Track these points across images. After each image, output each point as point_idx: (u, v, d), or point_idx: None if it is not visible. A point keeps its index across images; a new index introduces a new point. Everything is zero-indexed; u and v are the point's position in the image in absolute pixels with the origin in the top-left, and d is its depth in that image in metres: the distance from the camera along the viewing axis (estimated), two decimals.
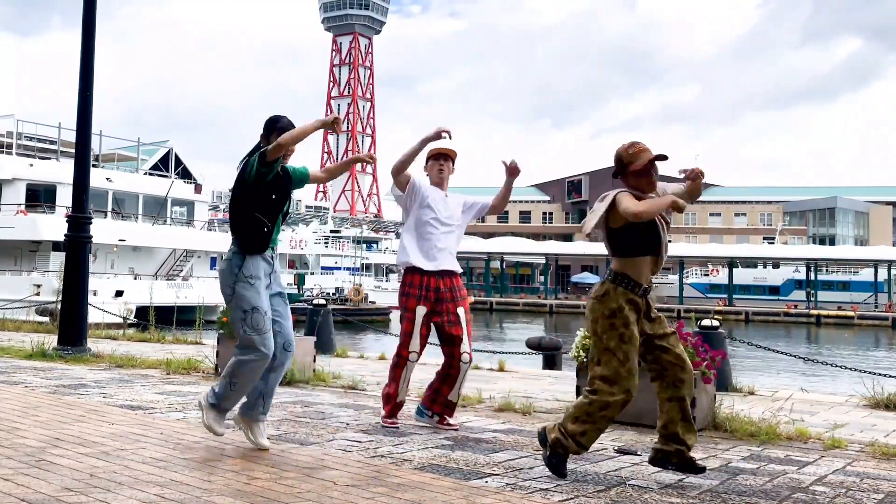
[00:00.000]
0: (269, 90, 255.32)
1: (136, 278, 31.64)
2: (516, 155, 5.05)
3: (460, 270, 5.29)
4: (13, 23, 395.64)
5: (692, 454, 3.95)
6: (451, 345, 5.13)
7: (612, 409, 3.81)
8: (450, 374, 5.17)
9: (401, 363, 5.10)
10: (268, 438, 4.40)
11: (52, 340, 9.56)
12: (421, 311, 5.08)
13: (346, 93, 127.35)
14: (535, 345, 11.31)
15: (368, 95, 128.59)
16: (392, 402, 5.19)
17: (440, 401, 5.24)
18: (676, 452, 3.92)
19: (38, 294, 26.77)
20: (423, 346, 5.09)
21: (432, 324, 5.16)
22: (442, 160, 5.34)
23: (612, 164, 4.15)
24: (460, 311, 5.15)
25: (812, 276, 58.71)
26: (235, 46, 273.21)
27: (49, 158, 33.96)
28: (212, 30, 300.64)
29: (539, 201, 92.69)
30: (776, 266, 66.73)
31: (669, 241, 4.02)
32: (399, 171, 5.17)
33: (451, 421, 5.26)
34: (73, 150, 10.39)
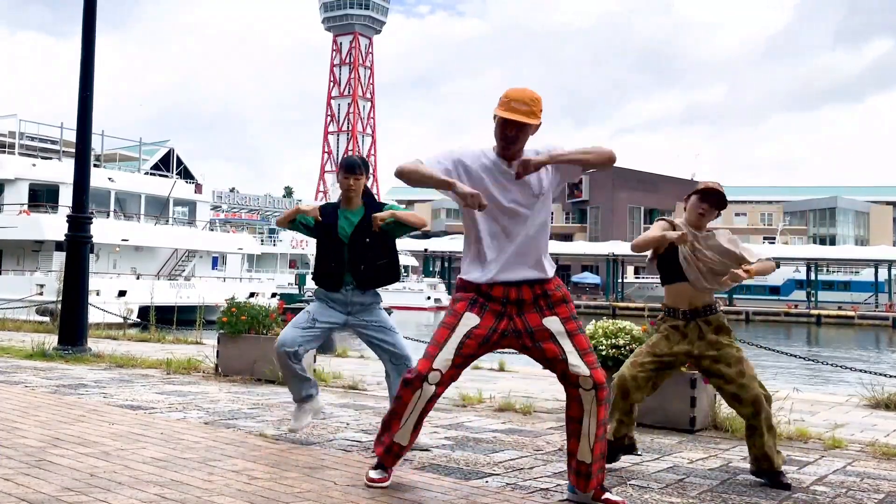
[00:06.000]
0: (279, 90, 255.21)
1: (138, 278, 31.66)
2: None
3: (547, 275, 3.46)
4: (48, 25, 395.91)
5: (781, 471, 3.98)
6: (555, 369, 3.42)
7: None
8: (570, 416, 3.45)
9: (413, 383, 3.36)
10: (289, 431, 4.78)
11: (52, 340, 9.57)
12: (470, 319, 3.39)
13: (346, 93, 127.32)
14: None
15: (369, 95, 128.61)
16: (386, 443, 3.50)
17: (572, 465, 3.45)
18: (757, 472, 4.04)
19: (40, 294, 26.79)
20: (456, 367, 3.39)
21: (511, 349, 3.54)
22: (517, 129, 3.31)
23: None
24: (550, 321, 3.39)
25: (812, 276, 58.67)
26: (247, 47, 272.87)
27: (51, 158, 34.00)
28: (226, 32, 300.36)
29: None
30: (776, 266, 66.66)
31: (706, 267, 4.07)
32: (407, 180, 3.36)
33: (611, 496, 3.42)
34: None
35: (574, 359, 3.35)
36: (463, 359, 3.39)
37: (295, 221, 4.63)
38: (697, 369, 4.25)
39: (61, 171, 30.80)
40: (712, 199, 4.10)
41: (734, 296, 57.56)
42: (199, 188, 38.64)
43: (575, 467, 3.42)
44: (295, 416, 4.70)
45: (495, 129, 3.37)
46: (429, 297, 56.11)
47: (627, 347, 5.54)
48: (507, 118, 3.28)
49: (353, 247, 4.51)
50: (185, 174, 40.74)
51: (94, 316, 10.78)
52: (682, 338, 4.12)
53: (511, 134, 3.32)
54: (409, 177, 3.34)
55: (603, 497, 3.40)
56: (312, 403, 4.71)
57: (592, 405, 3.35)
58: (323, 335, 4.62)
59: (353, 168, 4.55)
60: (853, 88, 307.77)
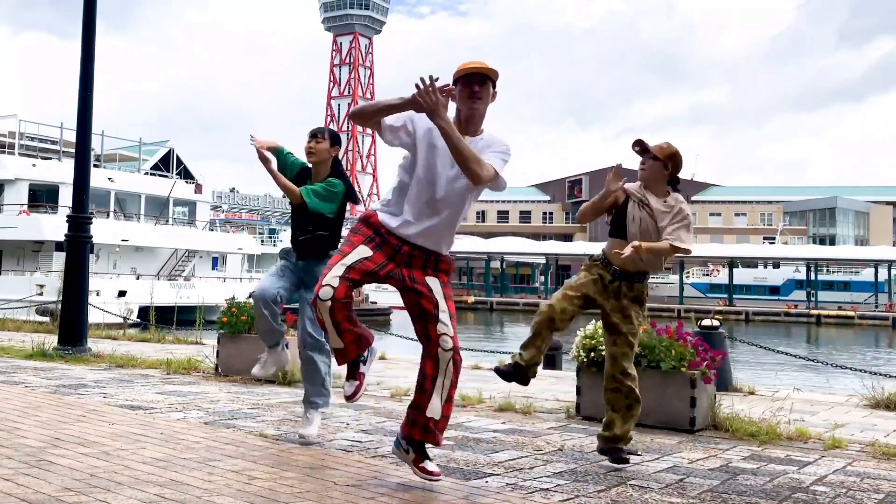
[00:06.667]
0: (280, 90, 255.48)
1: (138, 278, 31.68)
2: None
3: (444, 252, 3.62)
4: (55, 26, 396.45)
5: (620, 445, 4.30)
6: (424, 323, 3.51)
7: (537, 316, 4.29)
8: (425, 373, 3.52)
9: (313, 305, 3.48)
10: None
11: (52, 340, 9.57)
12: (364, 251, 3.47)
13: (346, 93, 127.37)
14: None
15: (369, 95, 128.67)
16: (337, 354, 3.63)
17: (419, 421, 3.55)
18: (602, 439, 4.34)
19: (41, 294, 26.80)
20: (348, 282, 3.39)
21: (392, 286, 3.61)
22: (476, 84, 3.48)
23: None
24: (433, 282, 3.54)
25: (812, 276, 58.67)
26: (248, 47, 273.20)
27: (51, 158, 34.01)
28: (226, 32, 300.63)
29: (539, 201, 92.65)
30: (776, 266, 66.68)
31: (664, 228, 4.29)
32: (361, 116, 3.44)
33: (427, 466, 3.60)
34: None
35: (445, 318, 3.48)
36: (356, 276, 3.44)
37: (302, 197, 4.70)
38: (602, 321, 4.43)
39: (61, 172, 30.80)
40: (636, 150, 4.36)
41: (734, 296, 57.59)
42: (198, 188, 38.65)
43: (422, 423, 3.52)
44: (262, 365, 4.95)
45: (458, 99, 3.48)
46: None
47: None
48: (471, 69, 3.47)
49: (309, 217, 4.70)
50: (185, 174, 40.74)
51: (94, 316, 10.78)
52: (604, 289, 4.31)
53: (476, 89, 3.47)
54: (362, 112, 3.44)
55: (421, 465, 3.60)
56: (278, 352, 4.95)
57: (448, 365, 3.47)
58: (293, 286, 4.80)
59: (315, 133, 4.79)
60: (856, 89, 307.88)
